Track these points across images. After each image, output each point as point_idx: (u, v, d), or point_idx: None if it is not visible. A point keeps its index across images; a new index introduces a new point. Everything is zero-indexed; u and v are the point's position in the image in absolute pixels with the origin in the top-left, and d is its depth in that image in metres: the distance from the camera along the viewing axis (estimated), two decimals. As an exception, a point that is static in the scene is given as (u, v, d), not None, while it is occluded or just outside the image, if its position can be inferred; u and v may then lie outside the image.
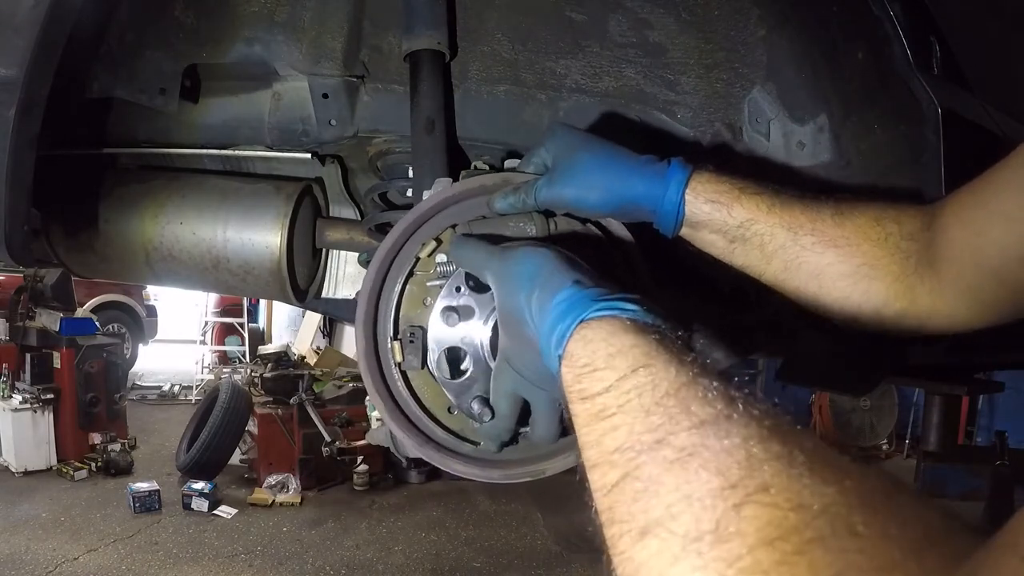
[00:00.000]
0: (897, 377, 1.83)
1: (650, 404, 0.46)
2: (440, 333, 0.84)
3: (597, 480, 0.47)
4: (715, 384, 0.46)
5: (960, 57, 1.04)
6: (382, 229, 1.28)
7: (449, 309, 0.82)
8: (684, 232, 0.80)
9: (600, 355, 0.52)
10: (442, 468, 0.88)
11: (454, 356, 0.84)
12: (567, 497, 5.76)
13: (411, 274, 0.88)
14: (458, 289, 0.83)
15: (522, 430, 0.82)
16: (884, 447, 8.10)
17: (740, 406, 0.44)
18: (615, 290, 0.59)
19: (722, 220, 0.77)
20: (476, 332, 0.83)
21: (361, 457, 6.06)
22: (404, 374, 0.88)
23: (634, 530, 0.41)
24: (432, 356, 0.85)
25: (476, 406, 0.81)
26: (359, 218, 1.46)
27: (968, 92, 1.05)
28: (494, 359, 0.79)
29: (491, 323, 0.81)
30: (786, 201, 0.77)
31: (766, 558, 0.34)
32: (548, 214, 0.86)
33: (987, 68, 1.11)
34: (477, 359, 0.83)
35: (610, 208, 0.81)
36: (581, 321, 0.56)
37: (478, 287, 0.82)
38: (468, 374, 0.83)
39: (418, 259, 0.88)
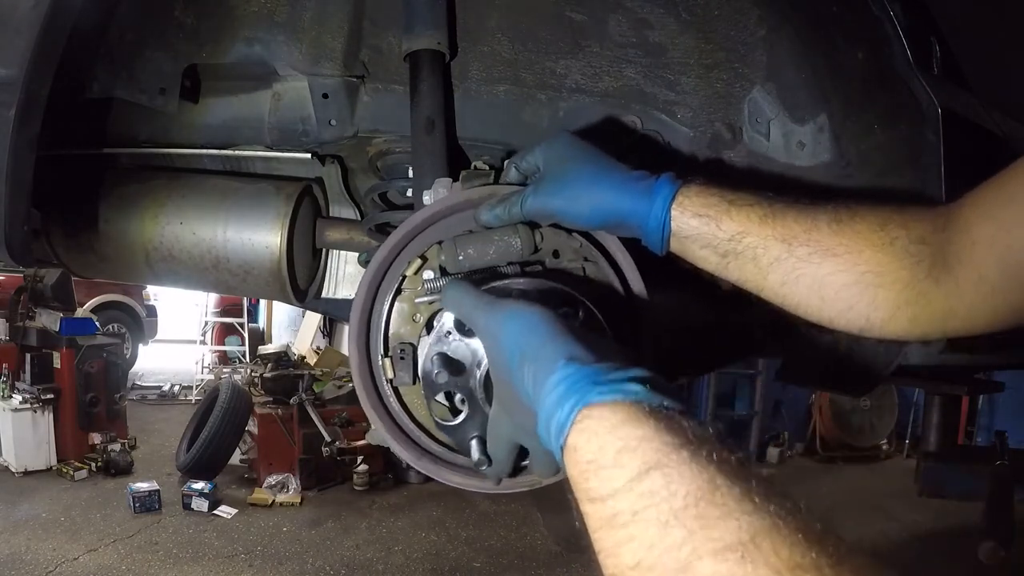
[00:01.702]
0: (897, 377, 1.83)
1: (668, 516, 0.42)
2: (433, 375, 0.79)
3: None
4: (736, 485, 0.42)
5: (960, 57, 1.04)
6: (382, 229, 1.28)
7: (441, 360, 0.77)
8: (675, 248, 0.79)
9: (607, 451, 0.48)
10: (440, 480, 0.88)
11: (448, 392, 0.81)
12: (567, 497, 5.75)
13: (399, 292, 0.88)
14: (448, 334, 0.79)
15: (523, 463, 0.80)
16: (884, 447, 8.11)
17: (767, 511, 0.40)
18: (615, 363, 0.54)
19: (711, 234, 0.75)
20: (469, 375, 0.79)
21: (361, 457, 6.06)
22: (396, 390, 0.89)
23: None
24: (420, 372, 0.84)
25: (476, 453, 0.78)
26: (359, 218, 1.46)
27: (968, 92, 1.05)
28: (488, 402, 0.76)
29: (484, 368, 0.77)
30: (780, 211, 0.74)
31: None
32: (534, 226, 0.86)
33: (987, 68, 1.11)
34: (471, 399, 0.79)
35: (596, 223, 0.80)
36: (583, 408, 0.51)
37: (468, 332, 0.78)
38: (463, 416, 0.80)
39: (404, 277, 0.88)
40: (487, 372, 0.75)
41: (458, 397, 0.80)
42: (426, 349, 0.82)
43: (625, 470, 0.46)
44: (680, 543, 0.40)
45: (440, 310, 0.84)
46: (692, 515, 0.41)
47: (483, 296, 0.71)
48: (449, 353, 0.78)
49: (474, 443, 0.78)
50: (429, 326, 0.86)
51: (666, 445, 0.46)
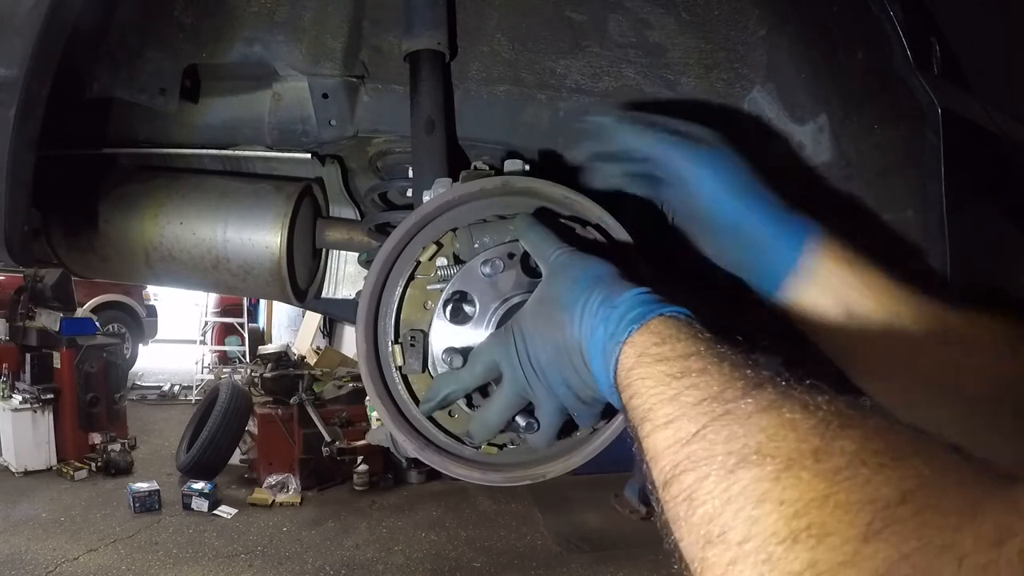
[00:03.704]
0: (897, 377, 1.83)
1: (742, 368, 0.51)
2: (461, 283, 0.84)
3: (669, 436, 0.49)
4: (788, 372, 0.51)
5: (960, 57, 1.04)
6: (382, 229, 1.28)
7: (490, 263, 0.82)
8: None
9: (685, 332, 0.57)
10: (443, 472, 0.88)
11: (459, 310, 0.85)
12: (567, 497, 5.76)
13: (412, 278, 0.88)
14: (511, 256, 0.83)
15: (520, 421, 0.81)
16: (884, 447, 8.10)
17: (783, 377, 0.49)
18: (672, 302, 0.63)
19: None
20: (494, 303, 0.83)
21: (361, 457, 6.06)
22: (405, 378, 0.88)
23: (722, 468, 0.43)
24: (441, 304, 0.85)
25: (451, 355, 0.81)
26: (359, 218, 1.46)
27: (968, 92, 1.05)
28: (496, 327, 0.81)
29: (513, 301, 0.82)
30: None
31: (868, 466, 0.38)
32: (549, 215, 0.86)
33: (987, 68, 1.11)
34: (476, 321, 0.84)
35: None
36: (658, 315, 0.60)
37: (528, 270, 0.82)
38: (473, 319, 0.83)
39: (419, 263, 0.87)
40: (510, 306, 0.81)
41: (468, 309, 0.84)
42: (481, 258, 0.84)
43: (698, 343, 0.55)
44: (746, 383, 0.49)
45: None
46: (759, 367, 0.51)
47: (565, 244, 0.77)
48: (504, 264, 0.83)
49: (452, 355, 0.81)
50: (445, 312, 0.86)
51: (729, 345, 0.56)
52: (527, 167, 0.94)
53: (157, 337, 11.41)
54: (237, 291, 1.44)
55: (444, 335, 0.84)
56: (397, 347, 0.87)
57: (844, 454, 0.39)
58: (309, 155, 1.29)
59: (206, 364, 10.45)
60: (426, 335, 0.86)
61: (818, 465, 0.39)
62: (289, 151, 1.30)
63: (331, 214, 1.47)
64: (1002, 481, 0.36)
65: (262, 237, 1.29)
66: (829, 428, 0.42)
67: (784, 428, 0.43)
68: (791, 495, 0.39)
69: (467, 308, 0.83)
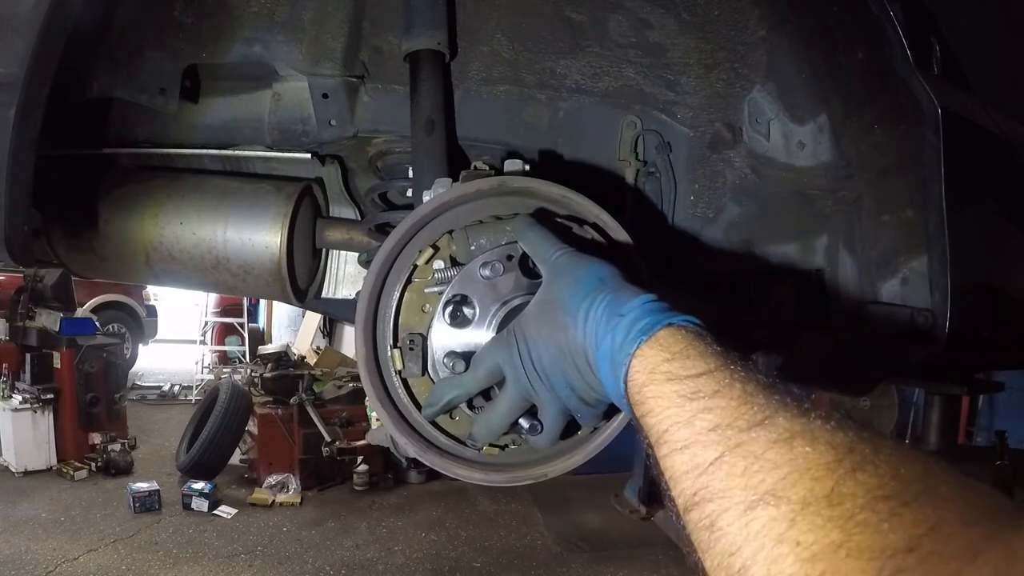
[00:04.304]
0: (897, 377, 1.83)
1: (753, 390, 0.51)
2: (461, 286, 0.83)
3: (687, 461, 0.49)
4: (797, 390, 0.51)
5: (960, 57, 1.04)
6: (382, 229, 1.28)
7: (490, 266, 0.82)
8: None
9: (695, 347, 0.56)
10: (445, 473, 0.88)
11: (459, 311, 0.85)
12: (567, 497, 5.76)
13: (409, 281, 0.88)
14: (509, 258, 0.82)
15: (523, 423, 0.81)
16: (884, 447, 8.08)
17: (783, 391, 0.50)
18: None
19: None
20: (493, 307, 0.83)
21: (361, 457, 6.05)
22: (405, 381, 0.88)
23: (741, 503, 0.44)
24: (440, 309, 0.84)
25: (454, 360, 0.82)
26: (359, 218, 1.46)
27: (968, 92, 1.05)
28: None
29: (513, 303, 0.81)
30: None
31: (878, 512, 0.39)
32: (548, 216, 0.86)
33: (987, 68, 1.11)
34: (477, 321, 0.83)
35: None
36: (668, 324, 0.59)
37: (527, 272, 0.81)
38: (473, 321, 0.83)
39: (415, 266, 0.87)
40: (511, 308, 0.81)
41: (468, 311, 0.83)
42: (480, 260, 0.83)
43: (710, 361, 0.55)
44: (760, 408, 0.49)
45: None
46: (772, 391, 0.51)
47: (564, 245, 0.75)
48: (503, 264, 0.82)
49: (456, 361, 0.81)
50: (445, 315, 0.85)
51: (740, 357, 0.56)
52: (527, 167, 0.94)
53: (157, 337, 11.38)
54: (237, 291, 1.43)
55: (444, 338, 0.84)
56: (396, 351, 0.87)
57: (856, 498, 0.41)
58: (309, 155, 1.29)
59: (206, 364, 10.44)
60: (425, 338, 0.86)
61: (831, 510, 0.41)
62: (289, 151, 1.30)
63: (331, 214, 1.47)
64: (1009, 515, 0.38)
65: (262, 237, 1.29)
66: (841, 465, 0.43)
67: (798, 468, 0.44)
68: (807, 538, 0.40)
69: (467, 311, 0.83)
